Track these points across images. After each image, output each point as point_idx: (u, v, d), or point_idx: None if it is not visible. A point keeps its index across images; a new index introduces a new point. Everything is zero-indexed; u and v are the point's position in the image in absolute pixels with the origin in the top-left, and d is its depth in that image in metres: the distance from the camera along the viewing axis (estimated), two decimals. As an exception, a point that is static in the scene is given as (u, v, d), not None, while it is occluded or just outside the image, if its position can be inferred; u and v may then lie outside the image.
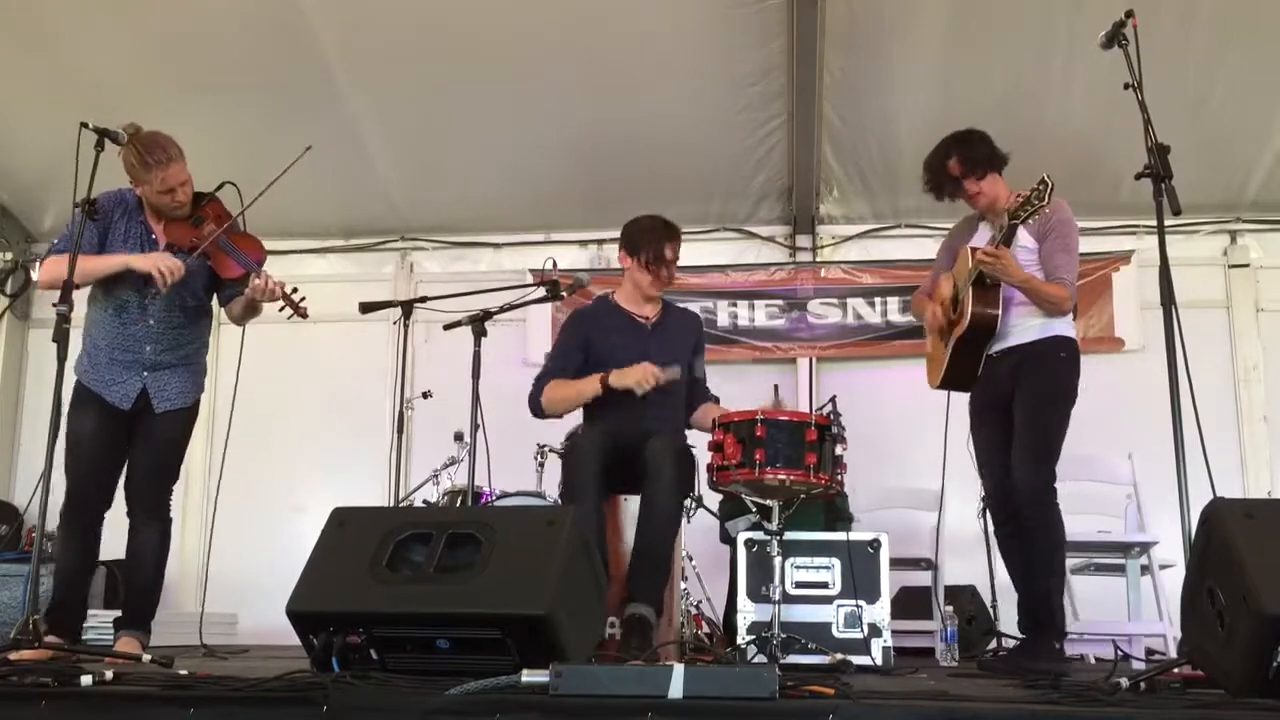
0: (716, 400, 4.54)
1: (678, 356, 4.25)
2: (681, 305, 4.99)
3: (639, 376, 4.08)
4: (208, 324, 4.37)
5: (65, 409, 3.77)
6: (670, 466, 3.93)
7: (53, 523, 4.09)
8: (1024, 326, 4.00)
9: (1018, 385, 3.97)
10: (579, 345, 4.36)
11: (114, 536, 4.23)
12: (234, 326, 4.43)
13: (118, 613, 4.34)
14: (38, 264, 4.00)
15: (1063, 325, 4.02)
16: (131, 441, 4.15)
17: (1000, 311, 3.97)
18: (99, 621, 5.32)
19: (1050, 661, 3.75)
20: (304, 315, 4.23)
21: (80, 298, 3.83)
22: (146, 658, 3.22)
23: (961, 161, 4.09)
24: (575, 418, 4.49)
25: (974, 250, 3.97)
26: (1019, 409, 3.96)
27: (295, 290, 4.19)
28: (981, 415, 4.13)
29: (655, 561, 3.91)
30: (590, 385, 4.18)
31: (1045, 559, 3.89)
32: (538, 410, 4.32)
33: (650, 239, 4.33)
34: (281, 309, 4.20)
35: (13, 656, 3.14)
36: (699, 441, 4.31)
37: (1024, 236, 3.97)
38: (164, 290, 3.98)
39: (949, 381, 4.20)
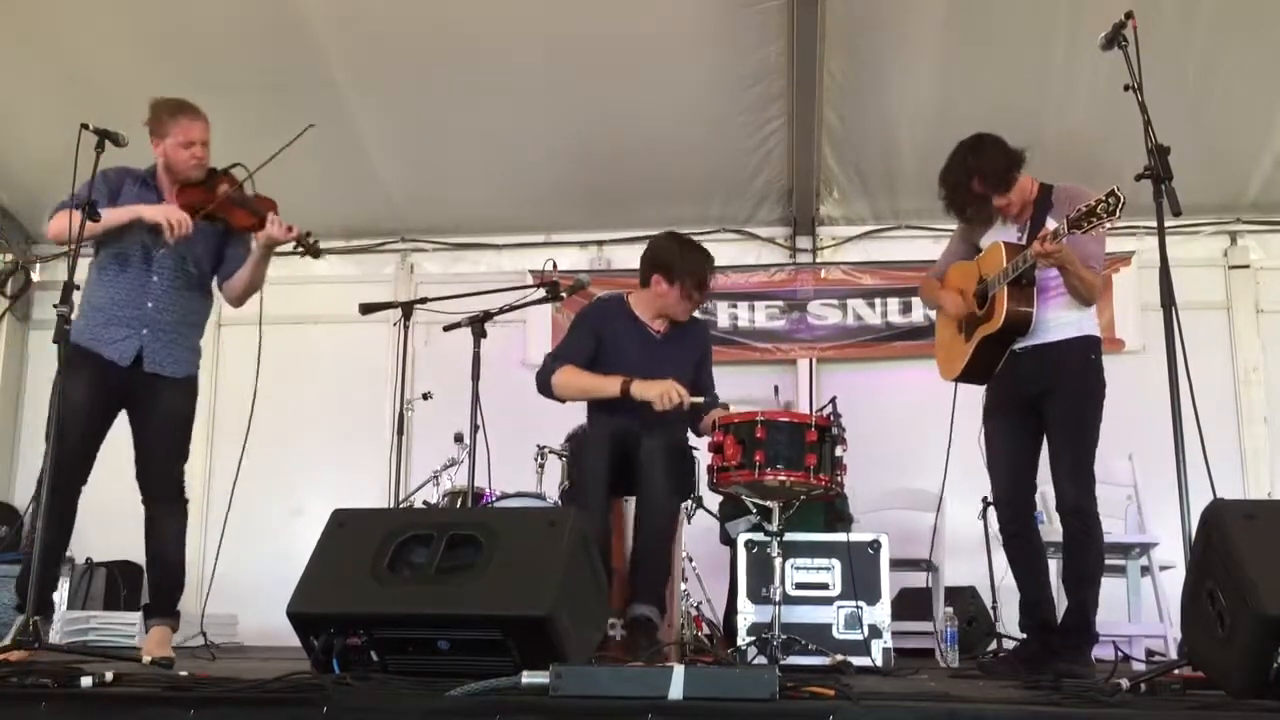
0: (726, 407, 4.53)
1: (683, 369, 4.24)
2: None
3: (663, 390, 4.06)
4: (208, 305, 4.35)
5: (56, 376, 3.69)
6: (661, 467, 3.93)
7: (34, 510, 4.07)
8: (1056, 323, 3.91)
9: (1048, 390, 3.88)
10: (592, 337, 4.35)
11: (114, 537, 4.23)
12: (236, 329, 4.43)
13: (119, 614, 4.35)
14: (47, 219, 3.96)
15: (1090, 324, 3.94)
16: (134, 419, 4.12)
17: (1034, 310, 3.88)
18: (100, 623, 5.33)
19: (1088, 665, 3.76)
20: (316, 255, 4.32)
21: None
22: (147, 659, 3.23)
23: (984, 180, 3.90)
24: (575, 419, 4.49)
25: (1007, 245, 3.90)
26: (1056, 422, 3.88)
27: (309, 234, 4.24)
28: (1000, 412, 4.05)
29: (654, 561, 3.91)
30: (610, 384, 4.16)
31: (1090, 571, 3.87)
32: (546, 389, 4.30)
33: (695, 267, 4.32)
34: (296, 247, 4.24)
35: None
36: (700, 443, 4.32)
37: (1052, 222, 3.87)
38: (171, 241, 3.98)
39: (966, 375, 4.11)
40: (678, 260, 4.33)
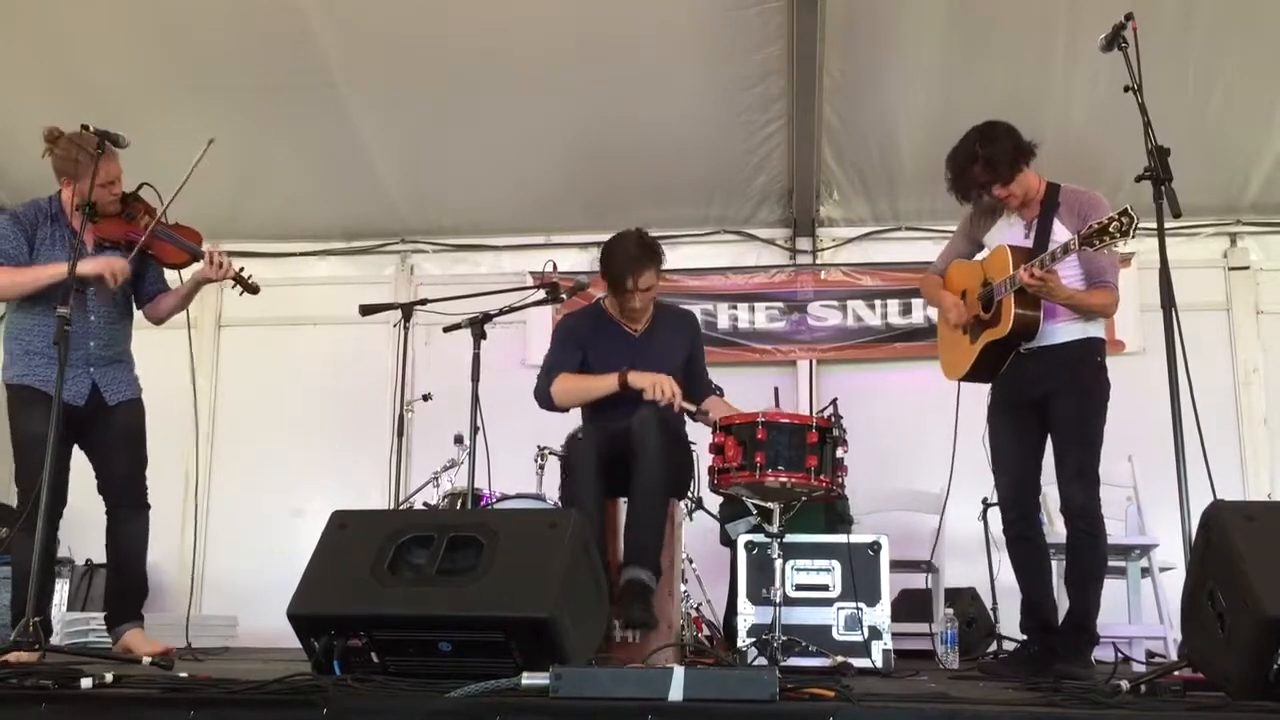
0: (720, 392, 4.53)
1: (667, 365, 4.23)
2: (679, 306, 4.99)
3: (655, 381, 4.08)
4: (131, 324, 4.39)
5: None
6: (655, 432, 3.94)
7: (15, 540, 4.08)
8: (1062, 328, 3.92)
9: (1053, 393, 3.88)
10: (576, 348, 4.36)
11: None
12: (236, 330, 4.45)
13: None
14: None
15: (1095, 327, 3.95)
16: (91, 442, 4.18)
17: (1041, 314, 3.88)
18: (99, 624, 5.31)
19: (1087, 666, 3.77)
20: (254, 290, 4.32)
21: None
22: (146, 660, 3.22)
23: (987, 167, 3.89)
24: (575, 420, 4.49)
25: (1013, 249, 3.90)
26: (1061, 424, 3.88)
27: (243, 269, 4.27)
28: (1006, 412, 4.05)
29: (647, 524, 3.91)
30: (608, 380, 4.18)
31: (1094, 573, 3.87)
32: (547, 402, 4.31)
33: (619, 269, 4.24)
34: (233, 287, 4.28)
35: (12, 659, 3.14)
36: (699, 442, 4.31)
37: (1060, 230, 3.88)
38: (113, 288, 4.04)
39: (971, 374, 4.11)
40: (609, 259, 4.32)
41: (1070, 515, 3.85)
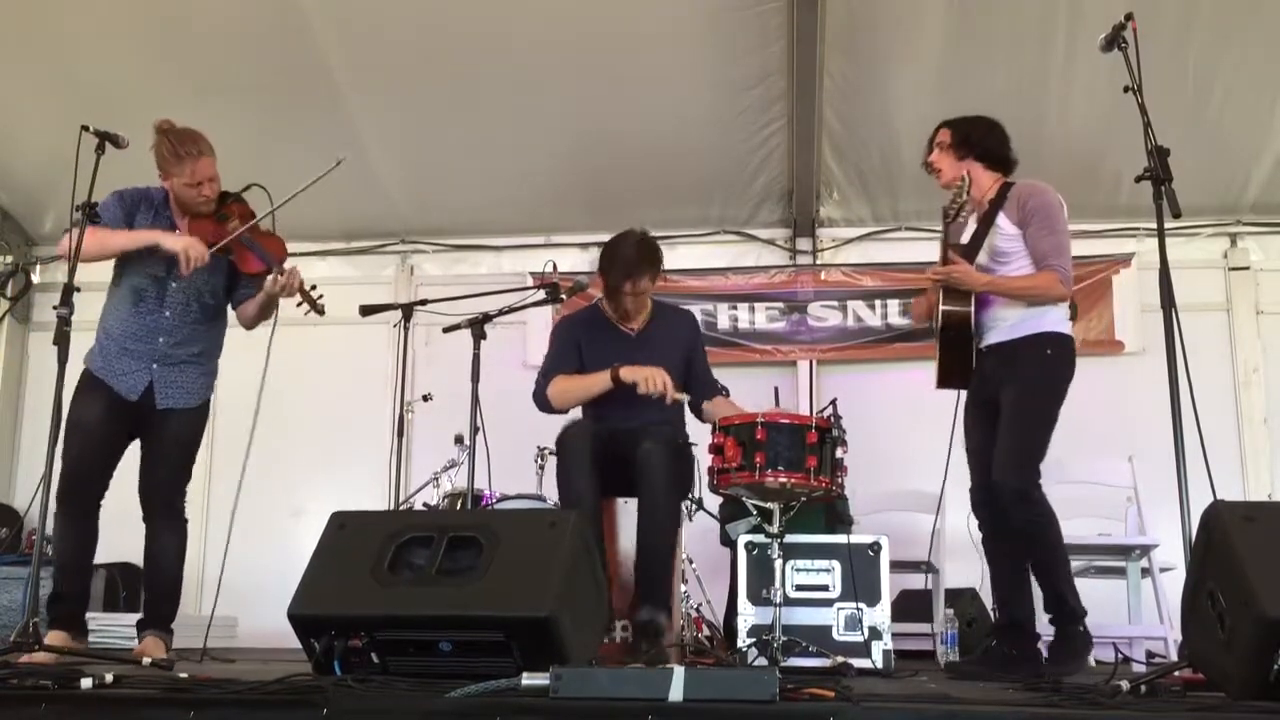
0: (725, 392, 4.54)
1: (665, 363, 4.23)
2: (678, 306, 4.98)
3: (647, 374, 4.09)
4: (222, 328, 4.37)
5: (66, 401, 3.75)
6: (663, 468, 3.94)
7: (53, 526, 4.09)
8: (1002, 322, 3.93)
9: (1001, 384, 3.90)
10: (573, 349, 4.37)
11: (114, 539, 4.24)
12: (236, 331, 4.44)
13: (118, 616, 4.35)
14: (64, 236, 4.02)
15: (1049, 320, 3.89)
16: (142, 441, 4.16)
17: (971, 308, 3.92)
18: (99, 625, 5.32)
19: (1075, 657, 3.75)
20: (320, 312, 4.29)
21: (95, 287, 3.90)
22: (147, 660, 3.22)
23: (939, 131, 4.10)
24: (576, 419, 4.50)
25: (950, 247, 3.98)
26: (1003, 411, 3.88)
27: (314, 288, 4.23)
28: (971, 408, 4.08)
29: (659, 563, 3.94)
30: (601, 378, 4.19)
31: (1049, 559, 3.84)
32: (545, 405, 4.33)
33: (617, 270, 4.26)
34: (299, 304, 4.25)
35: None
36: (700, 442, 4.32)
37: (1005, 224, 3.92)
38: (185, 273, 3.99)
39: (945, 380, 4.12)
40: (608, 258, 4.34)
41: (1009, 504, 3.80)
